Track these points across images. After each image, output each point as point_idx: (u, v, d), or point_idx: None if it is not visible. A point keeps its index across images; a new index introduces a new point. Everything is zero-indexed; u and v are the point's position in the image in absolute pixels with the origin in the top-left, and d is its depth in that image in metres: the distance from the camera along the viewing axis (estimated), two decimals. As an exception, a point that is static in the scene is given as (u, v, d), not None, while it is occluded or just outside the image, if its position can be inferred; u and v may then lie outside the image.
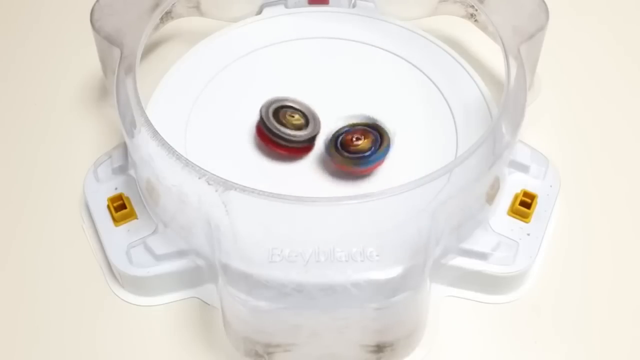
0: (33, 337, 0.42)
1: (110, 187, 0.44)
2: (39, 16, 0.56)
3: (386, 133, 0.44)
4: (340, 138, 0.44)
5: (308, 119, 0.45)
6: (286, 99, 0.45)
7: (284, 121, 0.44)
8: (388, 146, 0.44)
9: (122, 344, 0.42)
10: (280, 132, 0.44)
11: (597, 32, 0.55)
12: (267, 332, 0.39)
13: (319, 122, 0.45)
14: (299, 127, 0.45)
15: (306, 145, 0.45)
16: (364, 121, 0.45)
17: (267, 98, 0.47)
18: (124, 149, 0.45)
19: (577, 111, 0.51)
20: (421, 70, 0.49)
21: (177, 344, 0.42)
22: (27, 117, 0.51)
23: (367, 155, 0.43)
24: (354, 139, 0.43)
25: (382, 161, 0.44)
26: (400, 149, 0.45)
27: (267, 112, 0.44)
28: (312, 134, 0.45)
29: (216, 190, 0.38)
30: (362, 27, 0.51)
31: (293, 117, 0.45)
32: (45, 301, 0.43)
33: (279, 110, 0.45)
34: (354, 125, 0.44)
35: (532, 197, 0.44)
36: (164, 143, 0.40)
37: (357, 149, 0.43)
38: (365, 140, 0.44)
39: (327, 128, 0.45)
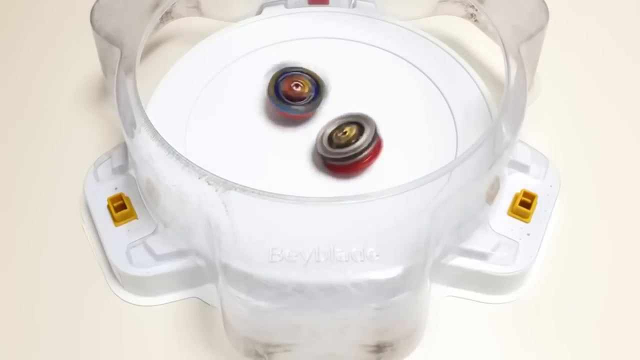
0: (33, 337, 0.42)
1: (110, 187, 0.44)
2: (39, 16, 0.56)
3: (325, 91, 0.46)
4: (282, 81, 0.46)
5: (359, 123, 0.45)
6: (324, 127, 0.45)
7: (343, 141, 0.44)
8: (320, 102, 0.46)
9: (122, 344, 0.42)
10: (351, 151, 0.44)
11: (597, 32, 0.55)
12: (267, 332, 0.39)
13: (369, 117, 0.45)
14: (359, 135, 0.44)
15: (378, 142, 0.44)
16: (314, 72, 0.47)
17: (267, 100, 0.47)
18: (124, 149, 0.45)
19: (577, 111, 0.51)
20: (421, 70, 0.49)
21: (177, 344, 0.42)
22: (27, 117, 0.51)
23: (297, 104, 0.46)
24: (293, 86, 0.45)
25: (310, 114, 0.46)
26: (400, 149, 0.46)
27: (324, 148, 0.44)
28: (374, 128, 0.44)
29: (216, 190, 0.38)
30: (362, 27, 0.51)
31: (346, 133, 0.44)
32: (45, 301, 0.43)
33: (332, 138, 0.44)
34: (298, 70, 0.47)
35: (532, 197, 0.44)
36: (164, 143, 0.40)
37: (294, 95, 0.46)
38: (304, 89, 0.46)
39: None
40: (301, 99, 0.46)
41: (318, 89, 0.46)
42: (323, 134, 0.45)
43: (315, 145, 0.45)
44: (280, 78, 0.46)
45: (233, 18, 0.52)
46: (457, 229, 0.41)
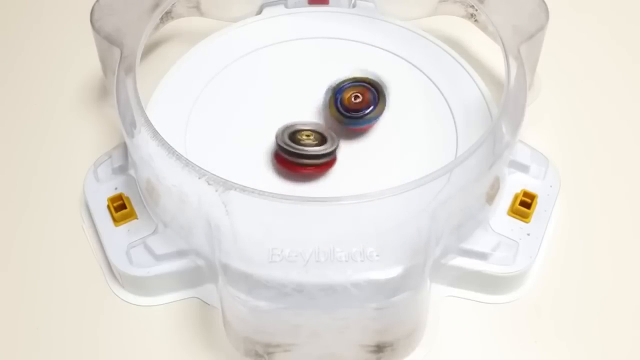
0: (33, 337, 0.42)
1: (110, 187, 0.44)
2: (39, 16, 0.56)
3: (383, 95, 0.45)
4: (340, 93, 0.45)
5: (324, 136, 0.44)
6: (297, 123, 0.45)
7: (302, 142, 0.44)
8: (383, 109, 0.45)
9: (122, 344, 0.42)
10: (302, 151, 0.43)
11: (597, 32, 0.55)
12: (267, 332, 0.39)
13: (336, 138, 0.45)
14: (317, 145, 0.44)
15: (329, 160, 0.44)
16: (366, 77, 0.46)
17: (267, 100, 0.47)
18: (124, 149, 0.45)
19: (577, 111, 0.51)
20: (421, 70, 0.49)
21: (177, 344, 0.42)
22: (27, 117, 0.51)
23: (361, 116, 0.45)
24: (353, 97, 0.45)
25: (372, 124, 0.46)
26: (400, 149, 0.46)
27: (282, 137, 0.44)
28: (333, 147, 0.44)
29: (216, 190, 0.38)
30: (362, 27, 0.51)
31: (309, 137, 0.44)
32: (45, 301, 0.43)
33: (294, 135, 0.44)
34: (355, 80, 0.46)
35: (532, 197, 0.44)
36: (164, 143, 0.40)
37: (355, 107, 0.45)
38: (363, 100, 0.45)
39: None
40: (365, 108, 0.45)
41: (377, 91, 0.45)
42: (292, 126, 0.44)
43: (276, 132, 0.44)
44: (338, 94, 0.45)
45: (233, 18, 0.52)
46: (457, 229, 0.41)
